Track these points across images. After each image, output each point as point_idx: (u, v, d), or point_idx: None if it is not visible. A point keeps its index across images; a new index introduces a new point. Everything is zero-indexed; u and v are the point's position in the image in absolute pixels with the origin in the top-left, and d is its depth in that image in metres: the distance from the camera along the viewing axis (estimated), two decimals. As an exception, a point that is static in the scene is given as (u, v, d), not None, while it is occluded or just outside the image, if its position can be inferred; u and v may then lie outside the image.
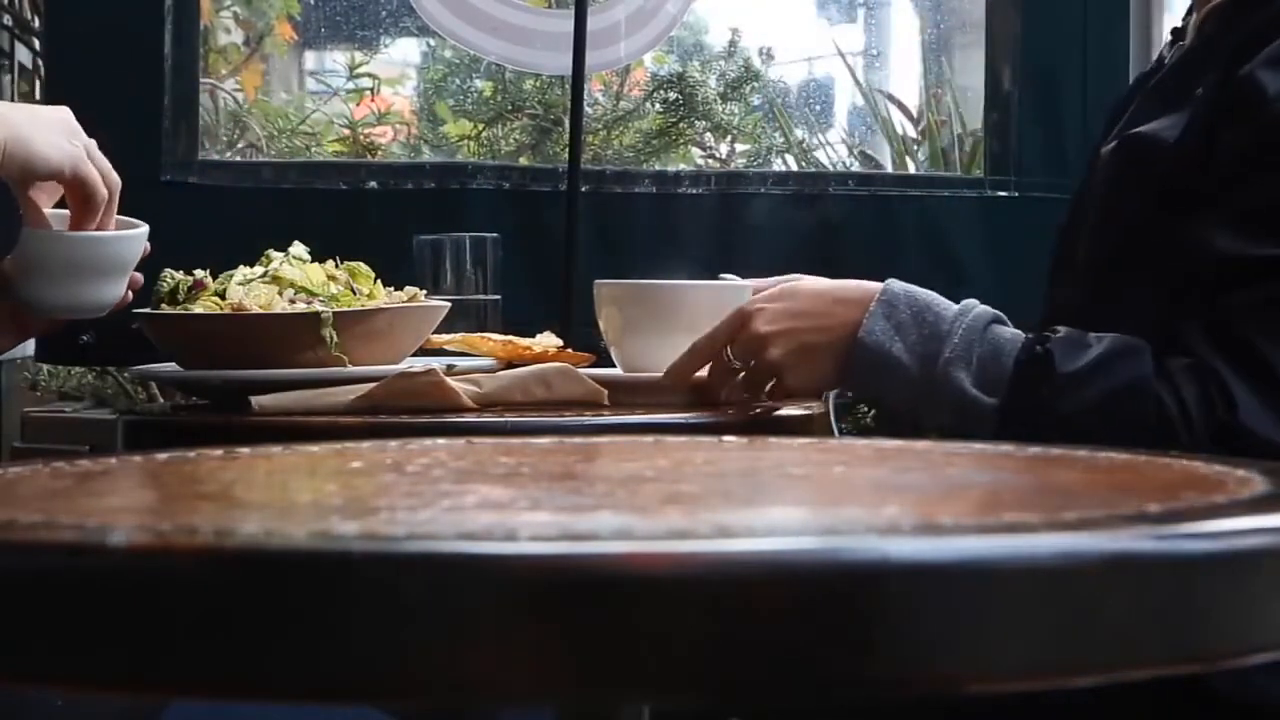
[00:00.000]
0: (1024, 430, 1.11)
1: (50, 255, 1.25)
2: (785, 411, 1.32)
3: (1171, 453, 0.72)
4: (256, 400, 1.31)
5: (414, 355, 1.46)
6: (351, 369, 1.36)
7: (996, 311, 1.21)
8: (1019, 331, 1.19)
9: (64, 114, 1.26)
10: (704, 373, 1.30)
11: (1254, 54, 1.15)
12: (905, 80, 3.20)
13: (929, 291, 1.23)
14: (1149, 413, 1.10)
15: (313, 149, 3.11)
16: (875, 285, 1.23)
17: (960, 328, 1.18)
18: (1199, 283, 1.14)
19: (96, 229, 1.25)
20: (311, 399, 1.31)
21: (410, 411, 1.28)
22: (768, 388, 1.29)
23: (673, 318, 1.38)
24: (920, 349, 1.18)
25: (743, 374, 1.28)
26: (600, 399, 1.33)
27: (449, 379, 1.30)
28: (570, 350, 1.47)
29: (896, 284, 1.23)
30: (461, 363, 1.43)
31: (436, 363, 1.38)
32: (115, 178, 1.27)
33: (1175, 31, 1.36)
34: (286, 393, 1.32)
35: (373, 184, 2.50)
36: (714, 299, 1.36)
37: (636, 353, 1.42)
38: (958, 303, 1.22)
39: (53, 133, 1.22)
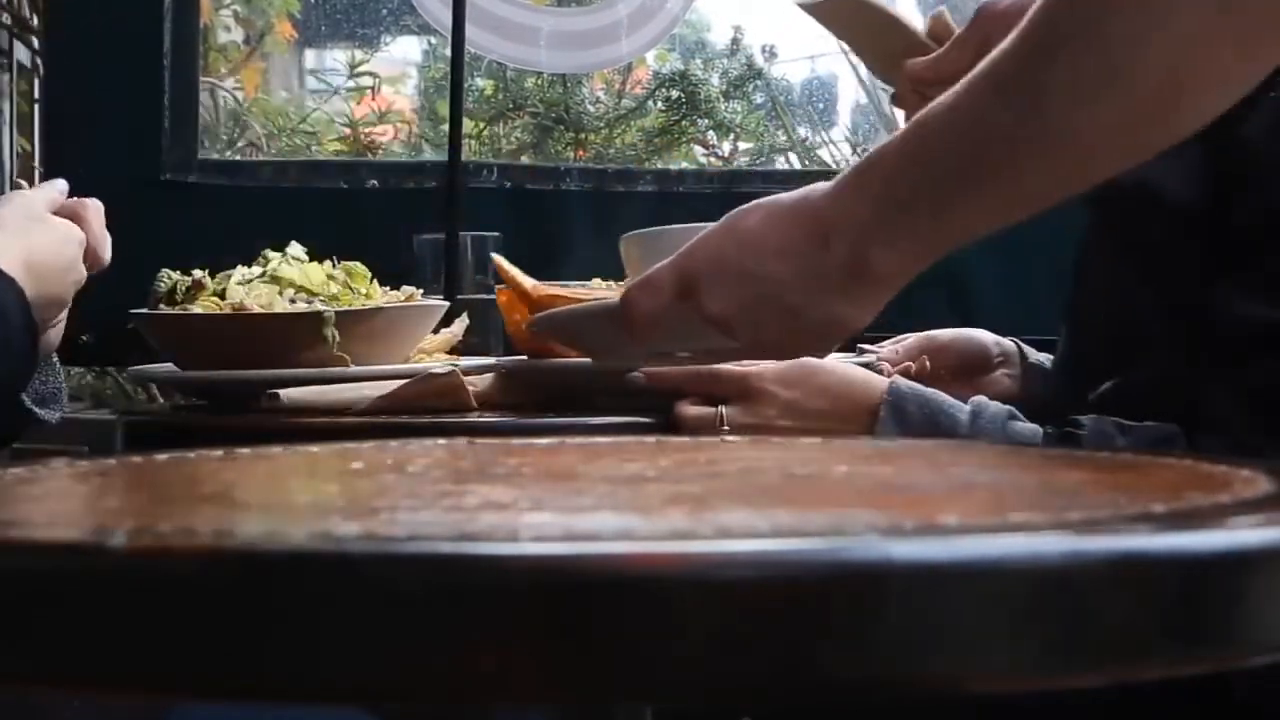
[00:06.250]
0: None
1: None
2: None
3: (1174, 452, 0.72)
4: (284, 393, 1.31)
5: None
6: (353, 368, 1.36)
7: (1010, 408, 1.19)
8: (1035, 427, 1.17)
9: (58, 243, 1.19)
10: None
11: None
12: (907, 78, 3.20)
13: (935, 391, 1.22)
14: None
15: (313, 148, 3.11)
16: (879, 383, 1.23)
17: (979, 430, 1.17)
18: (1219, 347, 1.12)
19: None
20: (335, 394, 1.31)
21: (425, 411, 1.28)
22: None
23: None
24: None
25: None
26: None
27: (461, 381, 1.30)
28: None
29: (901, 382, 1.22)
30: (463, 362, 1.44)
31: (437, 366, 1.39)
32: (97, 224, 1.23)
33: None
34: (310, 387, 1.32)
35: (373, 183, 2.50)
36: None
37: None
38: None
39: (60, 279, 1.17)
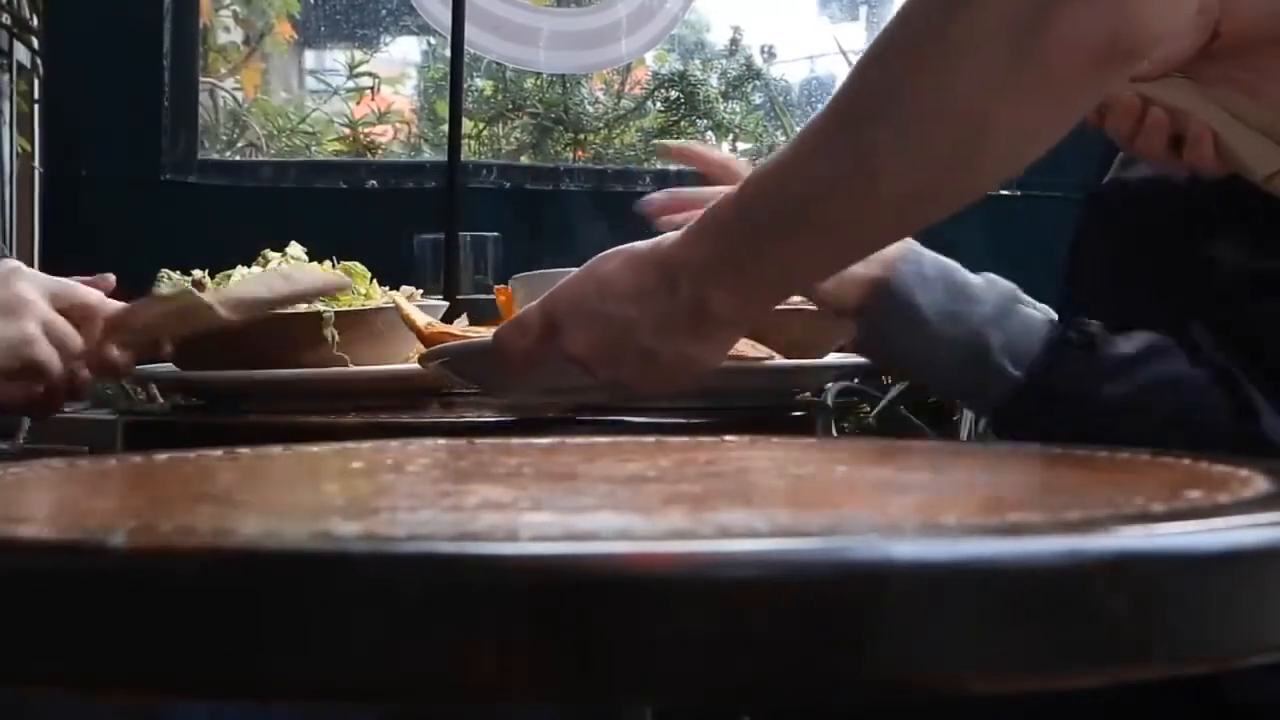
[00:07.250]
0: (1041, 409, 1.11)
1: None
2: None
3: (1174, 452, 0.72)
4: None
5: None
6: (352, 369, 1.36)
7: (1015, 286, 1.21)
8: (1045, 309, 1.19)
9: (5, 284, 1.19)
10: None
11: None
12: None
13: (949, 260, 1.22)
14: (1180, 408, 1.10)
15: (312, 148, 3.10)
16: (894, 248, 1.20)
17: (992, 295, 1.18)
18: (1205, 297, 1.14)
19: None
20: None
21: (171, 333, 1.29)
22: None
23: None
24: (947, 306, 1.17)
25: None
26: (342, 284, 1.36)
27: (202, 295, 1.30)
28: None
29: (916, 243, 1.21)
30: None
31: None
32: (77, 341, 1.21)
33: None
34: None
35: (373, 183, 2.50)
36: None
37: None
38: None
39: None
